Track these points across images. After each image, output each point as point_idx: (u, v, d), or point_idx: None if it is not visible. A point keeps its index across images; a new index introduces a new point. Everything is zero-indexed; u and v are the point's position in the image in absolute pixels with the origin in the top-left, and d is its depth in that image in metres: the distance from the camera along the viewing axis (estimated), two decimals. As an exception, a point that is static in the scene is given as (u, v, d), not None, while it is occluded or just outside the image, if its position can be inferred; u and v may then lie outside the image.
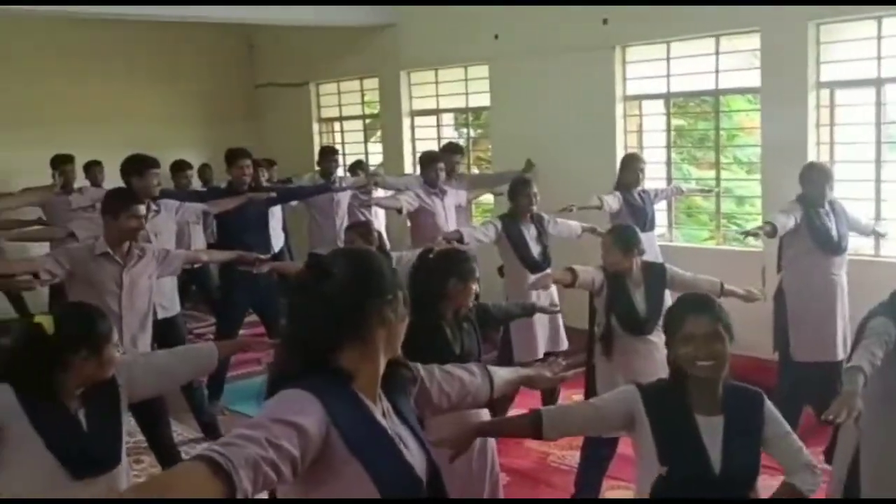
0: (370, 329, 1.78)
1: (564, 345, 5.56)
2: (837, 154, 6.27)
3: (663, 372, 2.60)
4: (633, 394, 2.51)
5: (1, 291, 7.48)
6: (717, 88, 6.94)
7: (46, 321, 2.57)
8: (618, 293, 4.12)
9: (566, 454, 5.00)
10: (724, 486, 2.38)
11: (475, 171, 8.92)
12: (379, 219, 7.78)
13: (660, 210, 6.89)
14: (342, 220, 7.48)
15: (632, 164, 6.39)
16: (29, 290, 4.79)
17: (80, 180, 7.95)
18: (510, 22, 7.95)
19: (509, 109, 8.16)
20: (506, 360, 5.26)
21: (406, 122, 9.40)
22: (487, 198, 8.70)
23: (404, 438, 1.81)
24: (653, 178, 6.93)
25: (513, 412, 5.03)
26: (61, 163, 7.60)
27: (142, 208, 4.31)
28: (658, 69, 7.19)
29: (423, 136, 9.33)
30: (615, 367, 4.08)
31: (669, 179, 7.27)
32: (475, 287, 3.48)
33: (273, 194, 6.66)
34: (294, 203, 7.67)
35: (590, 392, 4.08)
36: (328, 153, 8.02)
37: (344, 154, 10.02)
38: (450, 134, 9.20)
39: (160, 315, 5.03)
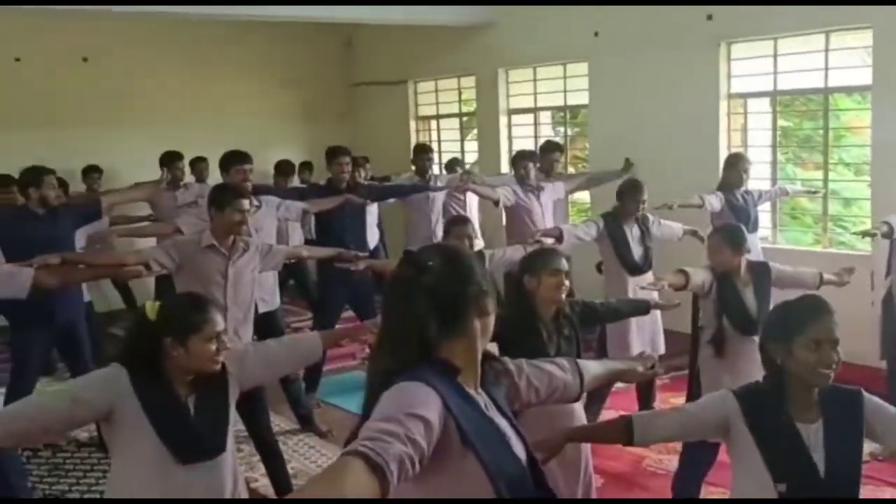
0: (469, 320, 1.80)
1: (661, 349, 5.41)
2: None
3: (759, 373, 2.52)
4: (728, 400, 2.44)
5: (111, 281, 7.81)
6: (826, 87, 6.71)
7: (151, 306, 2.65)
8: (729, 293, 4.04)
9: (663, 458, 4.89)
10: (829, 490, 2.30)
11: (571, 170, 8.84)
12: (472, 213, 7.75)
13: (763, 212, 6.70)
14: (437, 218, 7.51)
15: (736, 163, 6.20)
16: (137, 278, 4.97)
17: (187, 177, 8.21)
18: (610, 19, 7.86)
19: (608, 107, 8.06)
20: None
21: (503, 120, 9.39)
22: (584, 196, 8.61)
23: (505, 430, 1.83)
24: (756, 178, 6.74)
25: (606, 415, 4.98)
26: (170, 160, 7.90)
27: (246, 203, 4.41)
28: (764, 66, 6.99)
29: (520, 135, 9.31)
30: (724, 369, 3.98)
31: (774, 180, 7.06)
32: (556, 281, 3.38)
33: (369, 194, 6.73)
34: (391, 200, 7.75)
35: (693, 396, 4.00)
36: (422, 151, 8.06)
37: (440, 152, 10.08)
38: (547, 132, 9.15)
39: (261, 309, 5.14)
